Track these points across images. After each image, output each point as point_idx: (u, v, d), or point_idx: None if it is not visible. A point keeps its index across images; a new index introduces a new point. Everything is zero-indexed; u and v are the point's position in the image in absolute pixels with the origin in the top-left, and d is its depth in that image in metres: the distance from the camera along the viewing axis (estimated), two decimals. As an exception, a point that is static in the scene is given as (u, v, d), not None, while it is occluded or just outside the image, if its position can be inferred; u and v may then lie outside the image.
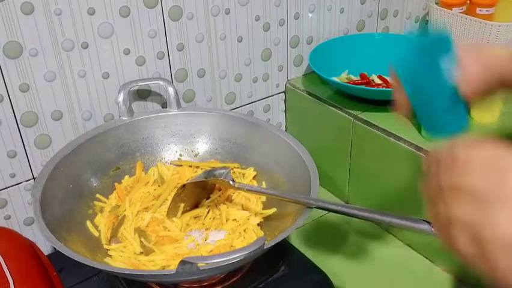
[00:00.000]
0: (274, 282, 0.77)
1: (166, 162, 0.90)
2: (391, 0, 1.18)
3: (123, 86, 0.87)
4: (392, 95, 0.59)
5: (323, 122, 1.01)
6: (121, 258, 0.74)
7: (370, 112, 0.93)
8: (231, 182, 0.75)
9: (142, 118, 0.89)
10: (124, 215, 0.80)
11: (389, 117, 0.91)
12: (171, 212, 0.81)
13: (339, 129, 0.97)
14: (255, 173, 0.87)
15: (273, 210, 0.81)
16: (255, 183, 0.87)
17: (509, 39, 1.04)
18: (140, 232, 0.78)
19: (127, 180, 0.86)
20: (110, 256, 0.75)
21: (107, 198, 0.84)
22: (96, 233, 0.78)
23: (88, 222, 0.79)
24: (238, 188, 0.76)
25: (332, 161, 1.01)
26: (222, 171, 0.77)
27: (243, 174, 0.88)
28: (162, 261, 0.73)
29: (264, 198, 0.85)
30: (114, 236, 0.78)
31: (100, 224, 0.79)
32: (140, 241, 0.77)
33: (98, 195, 0.83)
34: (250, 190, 0.79)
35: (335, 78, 1.03)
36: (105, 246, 0.76)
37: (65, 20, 0.79)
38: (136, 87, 0.90)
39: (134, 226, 0.79)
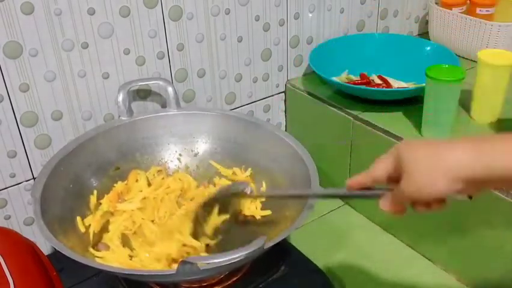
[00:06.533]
0: (274, 282, 0.77)
1: (166, 162, 0.90)
2: (391, 0, 1.18)
3: (122, 85, 0.87)
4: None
5: (323, 122, 1.01)
6: (117, 260, 0.74)
7: (370, 112, 0.93)
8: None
9: (141, 118, 0.89)
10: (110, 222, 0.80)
11: (389, 117, 0.92)
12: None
13: (339, 129, 0.97)
14: (249, 172, 0.88)
15: (268, 212, 0.82)
16: (252, 184, 0.87)
17: (509, 39, 1.04)
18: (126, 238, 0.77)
19: (120, 185, 0.85)
20: (102, 258, 0.75)
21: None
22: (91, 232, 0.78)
23: (79, 219, 0.78)
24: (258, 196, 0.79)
25: (332, 161, 1.01)
26: (240, 186, 0.80)
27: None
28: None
29: (263, 198, 0.85)
30: (100, 242, 0.77)
31: (88, 223, 0.78)
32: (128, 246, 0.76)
33: (92, 197, 0.81)
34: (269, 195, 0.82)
35: (335, 78, 1.03)
36: (91, 251, 0.75)
37: (65, 20, 0.79)
38: (135, 87, 0.90)
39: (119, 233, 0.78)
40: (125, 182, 0.85)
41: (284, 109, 1.13)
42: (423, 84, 0.84)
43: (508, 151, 0.47)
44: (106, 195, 0.83)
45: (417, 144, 0.53)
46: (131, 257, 0.75)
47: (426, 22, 1.22)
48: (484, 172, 0.48)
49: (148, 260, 0.73)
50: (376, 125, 0.90)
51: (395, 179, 0.55)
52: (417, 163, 0.51)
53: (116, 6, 0.83)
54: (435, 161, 0.50)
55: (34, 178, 0.86)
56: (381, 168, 0.56)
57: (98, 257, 0.74)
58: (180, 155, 0.91)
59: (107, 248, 0.76)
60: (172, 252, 0.74)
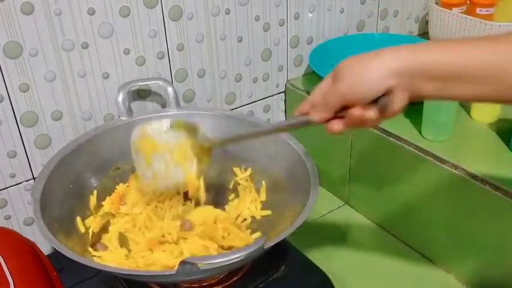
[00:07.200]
0: (274, 282, 0.77)
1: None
2: (391, 0, 1.18)
3: (122, 85, 0.87)
4: None
5: (322, 122, 1.01)
6: (114, 260, 0.74)
7: (370, 112, 0.93)
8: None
9: (141, 118, 0.89)
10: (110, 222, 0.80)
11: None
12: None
13: (339, 129, 0.97)
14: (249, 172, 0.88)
15: (268, 212, 0.82)
16: (252, 184, 0.87)
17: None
18: (124, 238, 0.77)
19: (121, 187, 0.85)
20: (99, 257, 0.75)
21: (106, 199, 0.83)
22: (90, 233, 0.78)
23: (79, 220, 0.78)
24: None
25: (332, 161, 1.01)
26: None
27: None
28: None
29: (263, 198, 0.85)
30: (98, 242, 0.77)
31: (88, 224, 0.78)
32: (125, 247, 0.76)
33: (92, 198, 0.81)
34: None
35: (335, 78, 1.03)
36: (91, 251, 0.75)
37: (65, 20, 0.79)
38: (135, 87, 0.90)
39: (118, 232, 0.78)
40: (127, 184, 0.85)
41: (284, 109, 1.13)
42: (423, 84, 0.84)
43: (431, 49, 0.53)
44: (108, 197, 0.83)
45: (352, 56, 0.57)
46: (127, 256, 0.75)
47: (426, 22, 1.22)
48: (410, 65, 0.53)
49: (143, 261, 0.73)
50: (376, 125, 0.90)
51: None
52: (351, 67, 0.55)
53: (116, 6, 0.83)
54: (367, 63, 0.54)
55: (34, 178, 0.86)
56: (316, 90, 0.59)
57: (96, 256, 0.74)
58: (180, 155, 0.91)
59: (105, 248, 0.76)
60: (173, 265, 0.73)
